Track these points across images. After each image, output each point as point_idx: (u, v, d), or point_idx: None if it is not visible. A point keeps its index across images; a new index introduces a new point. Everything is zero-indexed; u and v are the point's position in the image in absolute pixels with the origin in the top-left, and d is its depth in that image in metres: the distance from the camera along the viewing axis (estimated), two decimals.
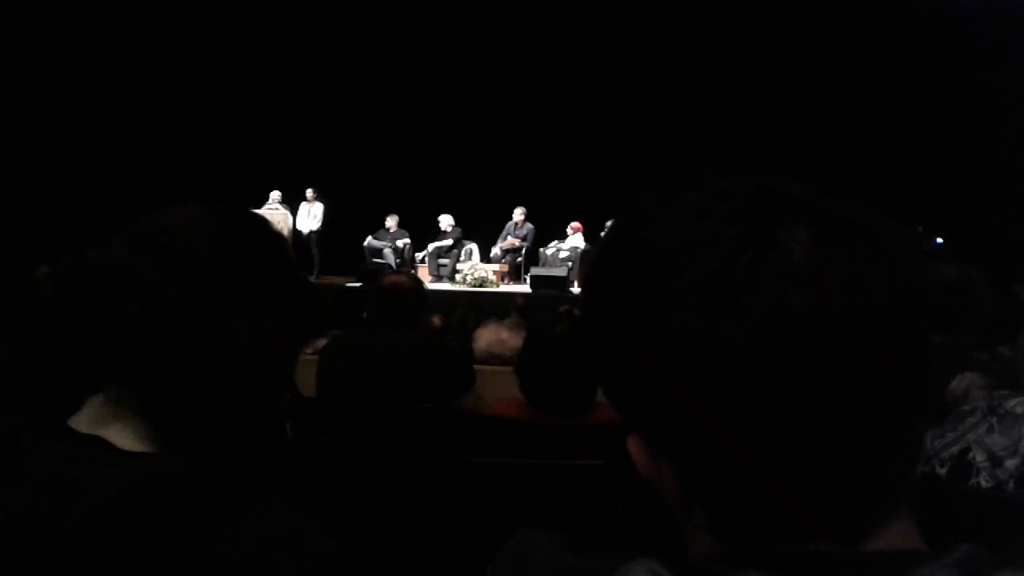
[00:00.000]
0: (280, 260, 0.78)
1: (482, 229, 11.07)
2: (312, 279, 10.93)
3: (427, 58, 11.60)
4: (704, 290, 0.45)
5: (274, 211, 11.00)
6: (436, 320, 4.88)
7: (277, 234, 0.82)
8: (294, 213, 11.14)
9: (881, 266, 0.45)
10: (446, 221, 10.98)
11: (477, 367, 3.29)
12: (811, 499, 0.46)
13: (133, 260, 0.71)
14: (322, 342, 4.95)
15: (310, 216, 11.17)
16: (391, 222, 11.03)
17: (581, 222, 10.82)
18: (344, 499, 1.83)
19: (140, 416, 0.71)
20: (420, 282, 2.94)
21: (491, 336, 3.76)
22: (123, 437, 0.70)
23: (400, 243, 11.04)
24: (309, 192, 11.16)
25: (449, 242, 10.94)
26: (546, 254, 10.78)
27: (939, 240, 8.58)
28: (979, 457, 1.40)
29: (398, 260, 10.94)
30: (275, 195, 11.12)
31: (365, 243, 11.05)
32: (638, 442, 0.51)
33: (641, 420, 0.51)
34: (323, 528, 0.68)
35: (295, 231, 11.01)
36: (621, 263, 0.50)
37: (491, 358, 3.65)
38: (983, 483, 1.39)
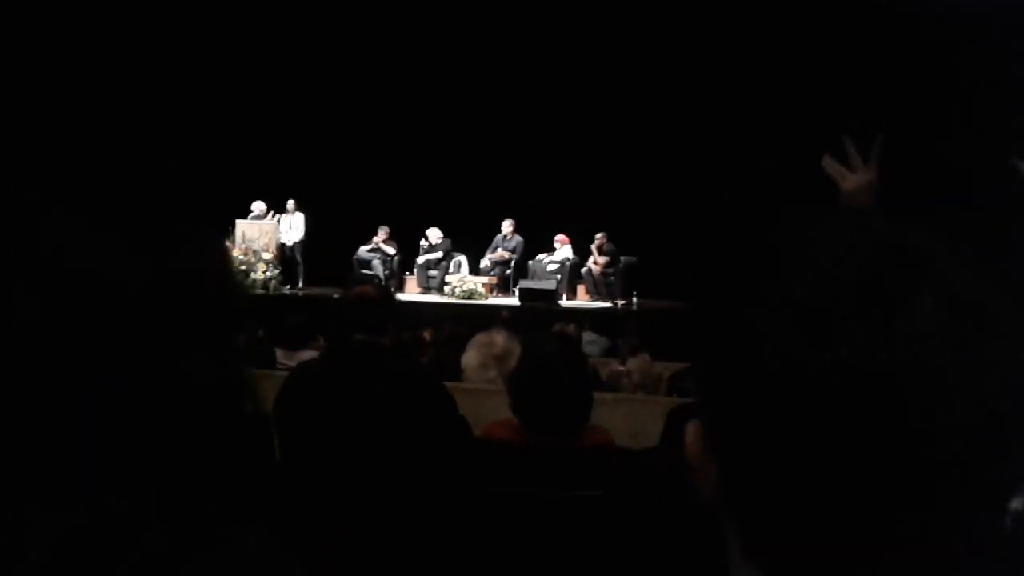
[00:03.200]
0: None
1: (471, 241, 11.06)
2: (298, 291, 10.91)
3: (414, 72, 11.60)
4: (809, 331, 0.46)
5: (263, 223, 10.97)
6: (427, 335, 4.85)
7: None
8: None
9: (992, 366, 0.45)
10: (434, 235, 10.96)
11: (467, 386, 3.26)
12: (850, 546, 0.46)
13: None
14: (305, 353, 4.94)
15: (292, 228, 11.13)
16: (381, 234, 11.00)
17: (568, 233, 10.83)
18: (329, 526, 1.80)
19: None
20: (389, 291, 2.87)
21: (480, 350, 3.71)
22: None
23: (389, 255, 11.02)
24: (290, 204, 11.12)
25: (439, 254, 10.92)
26: (535, 267, 10.77)
27: None
28: None
29: (386, 272, 10.91)
30: (260, 206, 11.07)
31: (355, 256, 11.02)
32: (697, 431, 0.53)
33: (710, 416, 0.52)
34: (291, 554, 0.65)
35: (280, 244, 10.96)
36: (743, 285, 0.51)
37: (482, 367, 3.58)
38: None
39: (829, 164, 1.57)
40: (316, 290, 10.93)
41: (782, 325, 0.47)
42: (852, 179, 1.54)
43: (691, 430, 0.53)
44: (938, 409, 0.44)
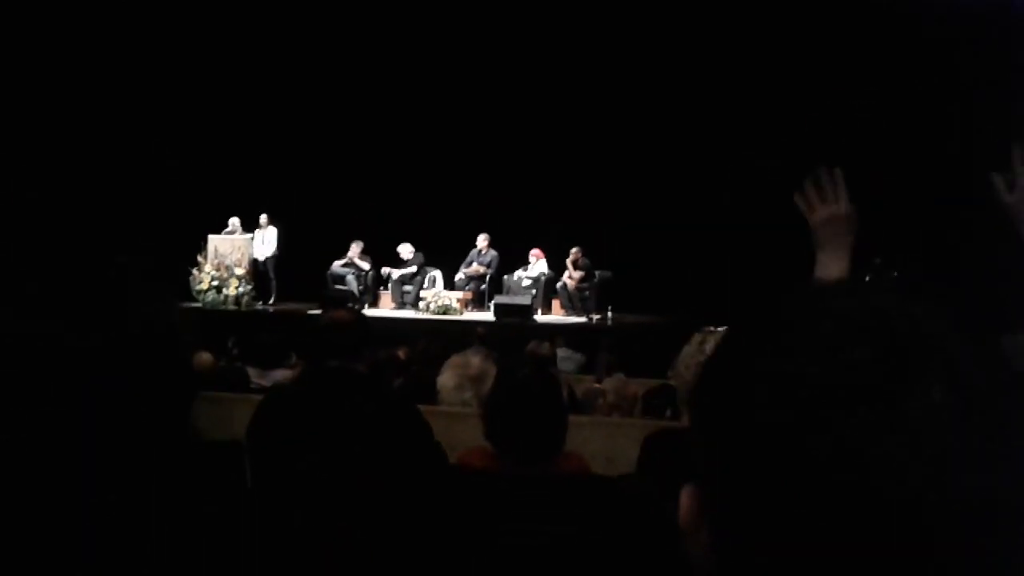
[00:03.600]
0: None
1: (445, 256, 11.03)
2: (269, 307, 10.82)
3: (387, 87, 11.58)
4: (814, 413, 0.45)
5: (235, 237, 10.89)
6: (401, 354, 4.83)
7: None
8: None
9: (997, 456, 0.44)
10: (406, 250, 10.91)
11: (442, 409, 3.25)
12: None
13: None
14: (279, 372, 4.89)
15: (264, 243, 11.04)
16: (355, 249, 10.94)
17: (543, 248, 10.84)
18: (300, 554, 1.78)
19: None
20: (363, 316, 2.85)
21: (455, 371, 3.69)
22: None
23: (363, 270, 10.97)
24: (263, 218, 11.04)
25: (413, 269, 10.87)
26: (510, 282, 10.76)
27: (895, 274, 8.58)
28: None
29: (361, 287, 10.84)
30: (234, 221, 10.99)
31: (329, 271, 10.95)
32: (692, 496, 0.53)
33: (706, 485, 0.52)
34: None
35: (253, 259, 10.88)
36: (749, 360, 0.51)
37: (458, 389, 3.56)
38: None
39: (800, 199, 1.54)
40: (289, 306, 10.85)
41: (787, 404, 0.46)
42: (818, 211, 1.51)
43: (685, 495, 0.54)
44: (939, 498, 0.44)
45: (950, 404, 0.44)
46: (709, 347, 1.83)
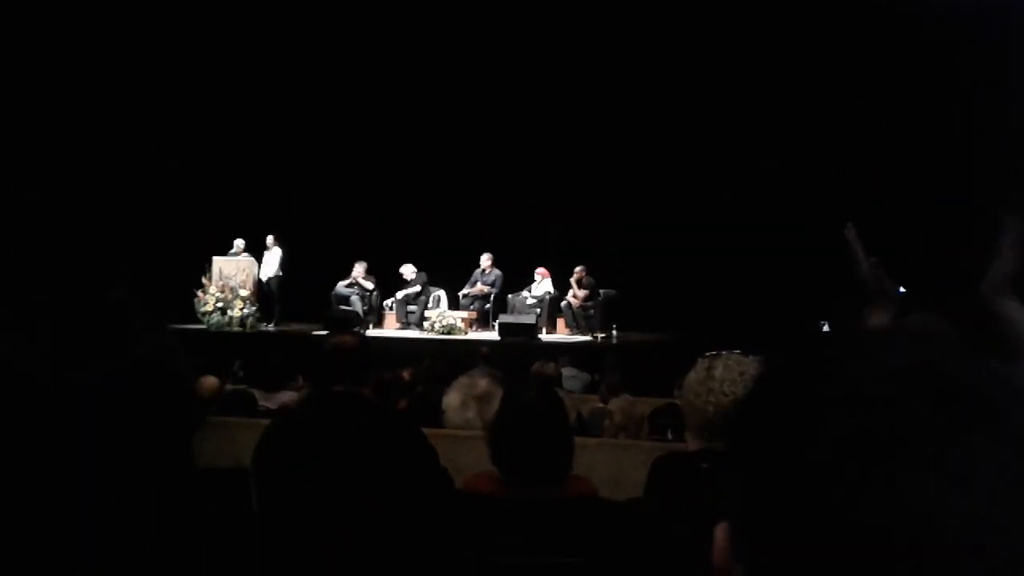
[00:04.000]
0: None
1: (449, 276, 11.04)
2: (270, 327, 10.84)
3: (390, 106, 11.64)
4: (861, 469, 0.45)
5: (240, 259, 10.92)
6: (406, 375, 4.82)
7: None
8: (259, 260, 11.07)
9: None
10: (408, 271, 10.92)
11: (448, 432, 3.24)
12: None
13: None
14: (285, 395, 4.89)
15: (268, 263, 11.07)
16: (358, 269, 10.96)
17: (548, 267, 10.84)
18: None
19: None
20: (366, 340, 2.85)
21: (461, 391, 3.69)
22: None
23: (367, 290, 10.97)
24: (269, 239, 11.07)
25: (417, 288, 10.87)
26: (514, 301, 10.76)
27: (902, 289, 8.53)
28: None
29: (365, 307, 10.84)
30: (239, 243, 11.03)
31: (333, 291, 10.96)
32: (727, 534, 0.53)
33: (743, 527, 0.51)
34: None
35: (258, 280, 10.90)
36: (796, 408, 0.50)
37: (463, 407, 3.56)
38: None
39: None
40: (294, 326, 10.86)
41: (844, 452, 0.45)
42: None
43: (720, 533, 0.53)
44: (991, 554, 0.43)
45: (1000, 458, 0.44)
46: (718, 372, 1.83)
